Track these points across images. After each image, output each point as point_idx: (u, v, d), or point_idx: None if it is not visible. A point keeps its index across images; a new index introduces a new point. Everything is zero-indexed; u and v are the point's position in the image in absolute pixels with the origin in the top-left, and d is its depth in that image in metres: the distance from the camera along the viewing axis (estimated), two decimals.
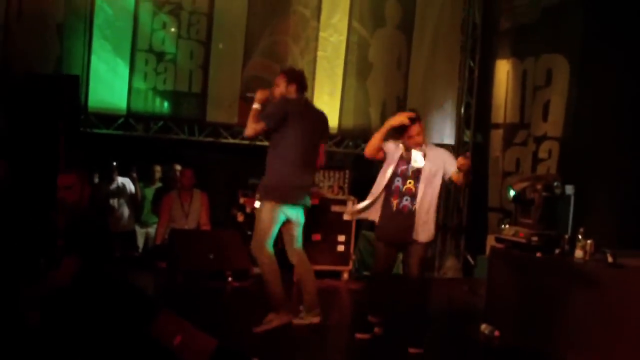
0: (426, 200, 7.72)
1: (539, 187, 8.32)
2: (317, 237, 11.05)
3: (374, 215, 7.97)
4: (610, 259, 7.38)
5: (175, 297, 8.69)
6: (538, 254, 8.05)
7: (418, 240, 7.67)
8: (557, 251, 8.01)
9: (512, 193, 8.55)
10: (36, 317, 6.23)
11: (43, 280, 6.53)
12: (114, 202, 12.16)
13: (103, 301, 6.31)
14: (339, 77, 12.60)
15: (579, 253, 7.69)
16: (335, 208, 11.18)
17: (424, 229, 7.69)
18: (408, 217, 7.70)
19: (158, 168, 12.82)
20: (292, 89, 7.97)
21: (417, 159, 7.76)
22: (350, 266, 11.40)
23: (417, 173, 7.73)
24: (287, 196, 7.95)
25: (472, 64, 13.28)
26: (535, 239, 8.09)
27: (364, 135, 12.75)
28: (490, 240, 9.83)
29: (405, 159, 7.81)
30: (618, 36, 10.05)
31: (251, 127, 7.81)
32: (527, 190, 8.47)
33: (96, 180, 12.31)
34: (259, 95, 7.87)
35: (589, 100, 10.48)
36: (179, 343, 5.91)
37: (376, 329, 8.00)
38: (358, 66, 12.71)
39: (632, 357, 6.78)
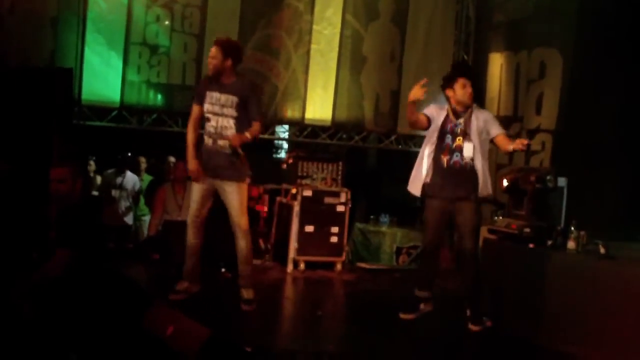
0: (479, 155, 7.92)
1: (532, 178, 8.34)
2: (310, 228, 11.09)
3: (415, 187, 8.21)
4: (602, 251, 7.40)
5: (168, 289, 8.69)
6: (530, 246, 8.08)
7: (477, 195, 7.94)
8: (549, 243, 8.03)
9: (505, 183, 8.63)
10: (28, 309, 6.23)
11: (35, 271, 6.54)
12: (116, 193, 12.23)
13: (95, 292, 6.32)
14: (333, 70, 12.60)
15: (571, 244, 7.72)
16: (329, 200, 11.22)
17: (485, 184, 7.96)
18: (460, 173, 7.94)
19: (143, 159, 12.86)
20: (229, 63, 8.14)
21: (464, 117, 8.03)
22: (344, 257, 11.44)
23: (466, 129, 7.94)
24: None
25: (465, 57, 13.29)
26: (527, 230, 8.11)
27: (358, 128, 12.81)
28: (483, 232, 9.85)
29: (453, 117, 8.04)
30: (611, 29, 10.08)
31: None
32: (520, 182, 8.50)
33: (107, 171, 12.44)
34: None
35: (582, 93, 10.50)
36: (172, 333, 5.92)
37: (422, 305, 8.27)
38: (352, 59, 12.71)
39: (624, 347, 6.80)
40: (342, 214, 11.23)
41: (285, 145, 16.58)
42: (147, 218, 12.06)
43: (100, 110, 11.38)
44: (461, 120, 8.00)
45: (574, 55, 10.89)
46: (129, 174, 12.43)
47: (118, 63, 11.35)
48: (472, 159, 7.94)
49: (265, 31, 12.14)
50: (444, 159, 7.99)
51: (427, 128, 8.15)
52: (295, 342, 7.55)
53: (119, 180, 12.32)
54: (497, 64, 12.63)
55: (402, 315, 8.18)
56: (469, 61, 13.24)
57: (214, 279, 9.86)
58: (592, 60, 10.37)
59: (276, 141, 17.14)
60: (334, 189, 11.43)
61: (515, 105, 12.03)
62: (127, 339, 6.04)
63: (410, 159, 14.25)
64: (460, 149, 7.93)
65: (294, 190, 11.28)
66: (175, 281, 8.61)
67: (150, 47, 11.53)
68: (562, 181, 8.44)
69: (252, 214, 11.46)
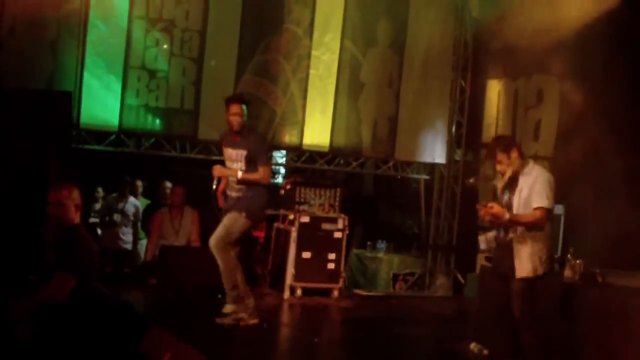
0: (519, 230, 7.15)
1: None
2: (307, 254, 11.07)
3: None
4: (599, 279, 7.40)
5: (165, 314, 8.68)
6: None
7: (515, 275, 7.10)
8: None
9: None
10: (26, 333, 6.21)
11: (33, 295, 6.51)
12: (117, 217, 12.21)
13: (93, 317, 6.30)
14: (331, 95, 12.57)
15: (568, 272, 7.71)
16: (326, 226, 11.21)
17: (520, 262, 7.10)
18: (504, 249, 7.23)
19: (139, 183, 12.84)
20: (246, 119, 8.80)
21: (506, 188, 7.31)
22: (341, 284, 11.41)
23: (509, 202, 7.22)
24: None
25: (463, 84, 13.31)
26: None
27: (355, 154, 12.79)
28: (480, 259, 9.86)
29: (501, 189, 7.38)
30: (608, 56, 10.10)
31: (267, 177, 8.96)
32: None
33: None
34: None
35: (579, 120, 10.51)
36: None
37: None
38: (350, 85, 12.70)
39: None
40: (340, 240, 11.21)
41: (283, 170, 16.57)
42: (144, 242, 12.04)
43: (99, 134, 11.35)
44: (507, 193, 7.32)
45: (571, 82, 10.91)
46: (131, 199, 12.43)
47: (117, 87, 11.32)
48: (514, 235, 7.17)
49: (264, 56, 12.14)
50: (499, 235, 7.39)
51: None
52: None
53: (120, 205, 12.31)
54: (495, 90, 12.67)
55: None
56: (467, 87, 13.24)
57: (210, 305, 9.83)
58: (590, 87, 10.38)
59: (274, 167, 17.14)
60: (331, 215, 11.41)
61: (513, 132, 12.04)
62: None
63: (407, 186, 14.37)
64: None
65: (291, 216, 11.27)
66: (171, 305, 8.62)
67: (149, 71, 11.50)
68: (559, 209, 8.43)
69: (249, 240, 11.45)
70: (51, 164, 9.39)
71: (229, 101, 8.83)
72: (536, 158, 11.22)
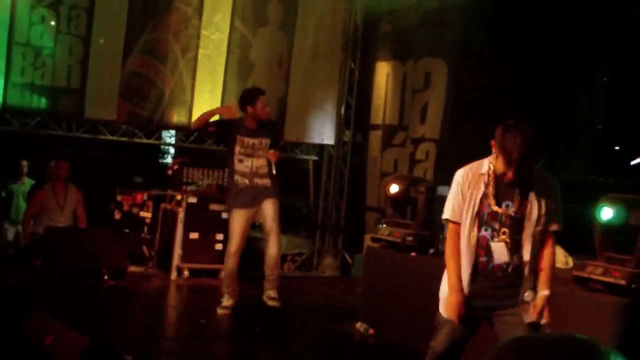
0: (532, 257, 5.12)
1: (422, 189, 8.44)
2: (194, 235, 11.03)
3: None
4: None
5: (50, 296, 8.57)
6: (412, 254, 8.18)
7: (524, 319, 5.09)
8: (431, 251, 8.15)
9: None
10: None
11: None
12: None
13: None
14: (220, 75, 12.51)
15: None
16: (214, 207, 11.18)
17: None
18: (503, 281, 5.16)
19: (25, 163, 12.63)
20: None
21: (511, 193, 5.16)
22: None
23: (518, 215, 5.12)
24: None
25: (352, 66, 13.37)
26: (410, 239, 8.22)
27: None
28: (367, 240, 9.96)
29: (492, 196, 5.18)
30: (495, 42, 10.28)
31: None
32: (410, 191, 8.58)
33: None
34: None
35: (465, 104, 10.69)
36: (51, 342, 5.83)
37: None
38: (239, 65, 12.65)
39: None
40: (227, 220, 11.19)
41: (172, 150, 16.45)
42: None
43: None
44: (509, 203, 5.14)
45: (458, 66, 11.09)
46: None
47: (1, 64, 11.07)
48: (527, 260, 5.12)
49: (152, 35, 12.01)
50: (481, 261, 5.17)
51: None
52: (177, 351, 7.52)
53: None
54: (383, 73, 12.79)
55: None
56: (356, 69, 13.31)
57: (96, 286, 9.74)
58: (476, 70, 10.55)
59: (162, 146, 16.99)
60: (219, 195, 11.37)
61: (401, 115, 12.20)
62: (4, 347, 5.94)
63: (296, 166, 14.43)
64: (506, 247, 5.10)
65: (178, 197, 11.20)
66: (57, 287, 8.50)
67: (34, 49, 11.27)
68: (444, 190, 8.55)
69: (137, 221, 11.37)
70: None
71: (261, 94, 9.21)
72: (423, 140, 11.40)
